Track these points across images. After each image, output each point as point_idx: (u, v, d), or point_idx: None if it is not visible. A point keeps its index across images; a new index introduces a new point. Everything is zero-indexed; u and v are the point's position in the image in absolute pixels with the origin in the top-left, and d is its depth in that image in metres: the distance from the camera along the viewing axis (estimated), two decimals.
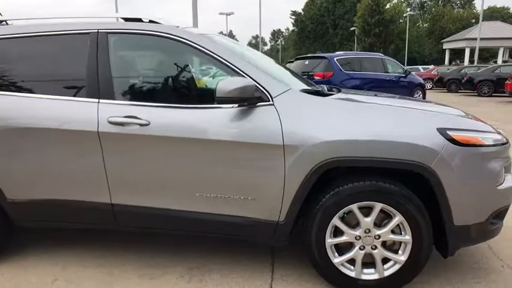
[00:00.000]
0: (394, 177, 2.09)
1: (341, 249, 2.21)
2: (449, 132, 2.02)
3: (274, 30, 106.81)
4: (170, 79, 2.42)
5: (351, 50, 43.42)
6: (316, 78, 9.96)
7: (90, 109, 2.25)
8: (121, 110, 2.22)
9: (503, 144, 2.19)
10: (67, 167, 2.32)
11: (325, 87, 2.81)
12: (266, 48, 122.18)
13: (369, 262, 2.19)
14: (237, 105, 2.12)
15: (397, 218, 2.08)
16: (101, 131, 2.21)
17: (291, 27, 76.69)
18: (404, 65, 35.64)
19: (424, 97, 11.67)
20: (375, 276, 2.17)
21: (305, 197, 2.11)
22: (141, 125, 2.18)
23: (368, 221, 2.11)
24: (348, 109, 2.18)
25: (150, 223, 2.36)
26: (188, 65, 2.39)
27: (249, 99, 2.09)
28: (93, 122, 2.22)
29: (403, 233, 2.11)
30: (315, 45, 61.22)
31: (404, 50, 40.83)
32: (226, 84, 1.99)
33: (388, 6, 49.29)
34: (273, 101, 2.13)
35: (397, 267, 2.15)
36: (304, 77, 10.18)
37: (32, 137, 2.31)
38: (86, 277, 2.43)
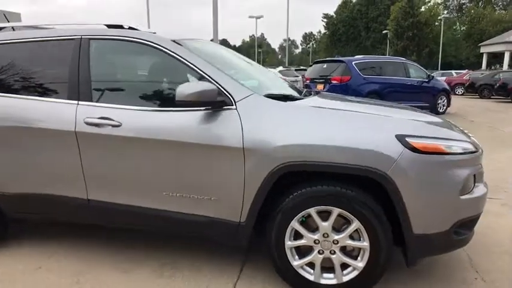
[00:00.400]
0: (353, 182, 2.09)
1: (303, 252, 2.23)
2: (409, 139, 2.01)
3: (306, 33, 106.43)
4: (142, 83, 2.54)
5: (383, 54, 42.56)
6: (334, 82, 9.89)
7: (70, 110, 2.40)
8: (97, 112, 2.36)
9: (471, 152, 2.14)
10: (50, 164, 2.49)
11: (304, 92, 2.84)
12: (297, 51, 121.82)
13: (329, 267, 2.20)
14: (203, 108, 2.21)
15: (355, 224, 2.08)
16: (78, 131, 2.36)
17: (323, 30, 76.10)
18: (437, 69, 34.50)
19: (448, 103, 11.29)
20: (334, 282, 2.18)
21: (264, 199, 2.15)
22: (113, 126, 2.31)
23: (326, 225, 2.12)
24: (307, 114, 2.20)
25: (121, 219, 2.49)
26: (160, 69, 2.50)
27: (212, 103, 2.17)
28: (71, 122, 2.38)
29: (361, 239, 2.11)
30: (346, 48, 60.48)
31: (440, 53, 39.51)
32: (185, 88, 2.07)
33: (423, 8, 47.90)
34: (235, 105, 2.20)
35: (355, 273, 2.15)
36: (322, 80, 10.20)
37: (19, 136, 2.50)
38: (65, 265, 2.58)
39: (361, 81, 9.74)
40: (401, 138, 2.01)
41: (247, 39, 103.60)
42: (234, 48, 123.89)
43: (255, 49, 48.04)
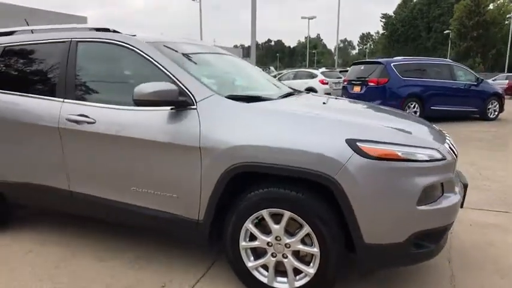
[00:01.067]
0: (304, 186, 2.04)
1: (258, 254, 2.22)
2: (360, 144, 1.92)
3: (363, 34, 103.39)
4: (117, 82, 2.66)
5: (444, 56, 40.12)
6: (370, 84, 9.58)
7: (55, 107, 2.61)
8: (77, 109, 2.53)
9: (437, 160, 2.00)
10: (39, 157, 2.71)
11: (289, 93, 2.82)
12: (354, 52, 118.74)
13: (285, 271, 2.17)
14: (169, 108, 2.28)
15: (305, 229, 2.03)
16: (60, 127, 2.55)
17: (381, 31, 73.47)
18: (504, 71, 31.74)
19: (500, 109, 10.40)
20: (286, 286, 2.15)
21: (220, 199, 2.18)
22: (88, 123, 2.46)
23: (278, 228, 2.10)
24: (262, 116, 2.18)
25: (97, 211, 2.64)
26: (134, 70, 2.61)
27: (173, 103, 2.23)
28: (55, 118, 2.58)
29: (313, 244, 2.06)
30: (405, 49, 57.85)
31: (507, 55, 36.38)
32: (142, 88, 2.16)
33: (491, 6, 44.43)
34: (196, 105, 2.24)
35: (307, 279, 2.09)
36: (359, 82, 9.90)
37: (15, 130, 2.75)
38: (53, 252, 2.79)
39: (400, 84, 9.33)
40: (351, 142, 1.93)
41: (303, 40, 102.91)
42: (288, 49, 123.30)
43: (307, 50, 47.61)
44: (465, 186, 2.42)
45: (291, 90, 3.22)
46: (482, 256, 2.74)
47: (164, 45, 2.56)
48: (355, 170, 1.90)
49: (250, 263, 2.21)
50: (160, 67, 2.37)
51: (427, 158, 1.97)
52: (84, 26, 2.81)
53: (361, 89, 9.90)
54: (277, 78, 17.32)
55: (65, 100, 2.61)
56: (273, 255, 2.15)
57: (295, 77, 16.63)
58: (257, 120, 2.16)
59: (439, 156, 2.03)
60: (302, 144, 1.98)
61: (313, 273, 2.07)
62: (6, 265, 2.62)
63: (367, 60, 11.21)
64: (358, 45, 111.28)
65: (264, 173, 2.09)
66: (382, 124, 2.18)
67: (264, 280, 2.19)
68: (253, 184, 2.16)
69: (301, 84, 15.74)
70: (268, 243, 2.15)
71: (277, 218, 2.11)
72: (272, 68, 36.49)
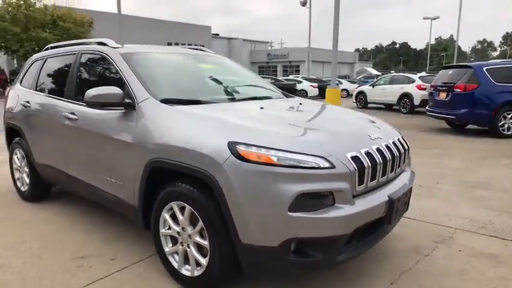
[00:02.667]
0: (198, 183, 2.20)
1: (174, 242, 2.46)
2: (239, 147, 2.02)
3: (506, 33, 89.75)
4: (97, 85, 3.17)
5: None
6: (456, 90, 8.62)
7: (61, 105, 3.27)
8: (70, 108, 3.15)
9: (322, 168, 1.97)
10: (52, 145, 3.44)
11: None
12: (495, 53, 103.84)
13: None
14: (123, 109, 2.70)
15: (200, 222, 2.21)
16: (62, 122, 3.21)
17: None
18: None
19: None
20: (189, 274, 2.34)
21: (145, 189, 2.49)
22: (73, 119, 3.05)
23: (182, 219, 2.31)
24: (177, 118, 2.42)
25: (82, 191, 3.24)
26: (107, 75, 3.08)
27: (120, 104, 2.63)
28: (59, 115, 3.24)
29: (206, 237, 2.21)
30: None
31: None
32: (89, 91, 2.60)
33: None
34: (136, 107, 2.61)
35: (202, 270, 2.26)
36: (445, 88, 8.98)
37: (40, 123, 3.54)
38: (60, 224, 3.49)
39: (493, 91, 8.16)
40: (232, 145, 2.04)
41: (433, 41, 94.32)
42: (414, 51, 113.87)
43: (428, 52, 43.80)
44: (391, 202, 2.24)
45: (266, 95, 3.34)
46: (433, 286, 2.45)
47: (134, 55, 2.99)
48: (231, 171, 2.01)
49: (167, 249, 2.47)
50: (121, 73, 2.80)
51: (304, 165, 1.96)
52: (92, 40, 3.43)
53: (446, 96, 8.93)
54: (373, 83, 16.53)
55: (66, 100, 3.26)
56: (182, 244, 2.37)
57: (391, 81, 15.62)
58: (172, 121, 2.42)
59: (325, 164, 1.98)
60: (194, 144, 2.17)
61: (206, 265, 2.23)
62: (25, 223, 3.41)
63: (456, 64, 9.98)
64: (500, 46, 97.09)
65: (172, 169, 2.33)
66: (277, 130, 2.23)
67: (176, 266, 2.43)
68: (171, 179, 2.42)
69: (396, 90, 14.77)
70: (178, 232, 2.38)
71: (184, 211, 2.32)
72: (370, 70, 34.55)
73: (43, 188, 3.96)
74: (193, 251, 2.30)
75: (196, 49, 3.93)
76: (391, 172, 2.39)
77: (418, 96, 13.70)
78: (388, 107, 16.03)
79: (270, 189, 1.95)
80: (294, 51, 54.26)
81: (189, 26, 47.66)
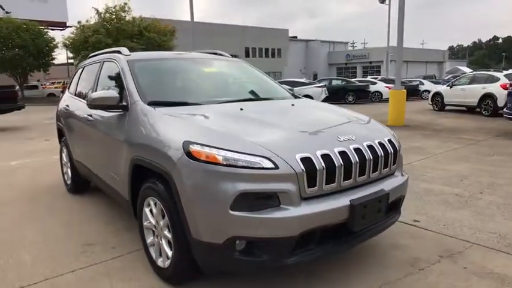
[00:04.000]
0: (163, 179, 2.33)
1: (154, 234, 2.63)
2: (191, 146, 2.11)
3: None
4: (110, 89, 3.46)
5: None
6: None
7: (85, 108, 3.69)
8: (89, 110, 3.52)
9: (265, 169, 1.98)
10: (81, 144, 3.89)
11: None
12: None
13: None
14: (121, 110, 2.97)
15: (166, 216, 2.34)
16: (84, 118, 3.62)
17: None
18: None
19: None
20: (161, 265, 2.49)
21: (132, 184, 2.71)
22: (91, 121, 3.43)
23: (156, 213, 2.48)
24: (157, 119, 2.57)
25: (99, 184, 3.61)
26: (115, 80, 3.36)
27: (117, 107, 2.90)
28: (83, 117, 3.67)
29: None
30: None
31: None
32: (93, 94, 2.91)
33: None
34: (128, 109, 2.85)
35: (169, 261, 2.39)
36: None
37: (74, 125, 4.02)
38: (82, 212, 3.93)
39: None
40: (186, 144, 2.14)
41: None
42: None
43: None
44: (352, 207, 2.13)
45: (267, 96, 3.37)
46: None
47: (137, 62, 3.25)
48: (182, 169, 2.12)
49: (149, 240, 2.65)
50: (123, 78, 3.08)
51: (247, 165, 1.97)
52: (115, 49, 3.79)
53: None
54: (451, 83, 15.09)
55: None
56: (157, 236, 2.54)
57: (472, 81, 14.13)
58: (151, 122, 2.59)
59: (268, 165, 1.98)
60: (161, 143, 2.33)
61: (171, 256, 2.35)
62: (61, 212, 3.90)
63: None
64: None
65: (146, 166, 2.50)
66: (237, 130, 2.28)
67: (153, 256, 2.60)
68: (149, 176, 2.60)
69: (477, 90, 13.36)
70: (154, 226, 2.55)
71: (157, 206, 2.48)
72: (463, 69, 31.43)
73: (82, 182, 4.47)
74: (163, 244, 2.45)
75: (213, 53, 4.09)
76: (361, 176, 2.27)
77: (502, 96, 12.19)
78: (469, 110, 14.48)
79: (214, 188, 2.01)
80: (375, 51, 52.06)
81: (266, 30, 48.60)
